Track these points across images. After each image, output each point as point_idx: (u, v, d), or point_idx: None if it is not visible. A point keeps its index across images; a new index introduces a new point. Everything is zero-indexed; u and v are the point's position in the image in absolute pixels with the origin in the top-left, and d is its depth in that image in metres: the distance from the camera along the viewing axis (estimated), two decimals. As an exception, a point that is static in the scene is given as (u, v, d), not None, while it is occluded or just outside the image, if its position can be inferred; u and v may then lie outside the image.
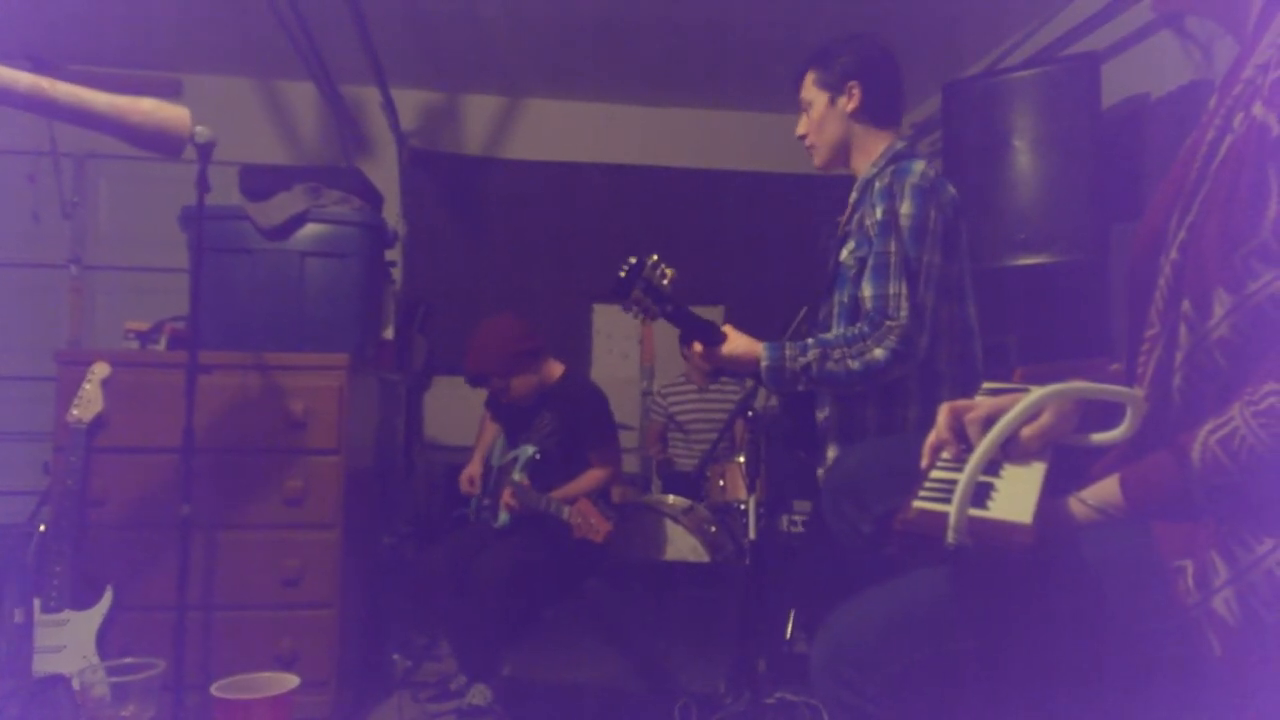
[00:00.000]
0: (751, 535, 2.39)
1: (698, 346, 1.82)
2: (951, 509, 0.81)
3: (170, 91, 4.30)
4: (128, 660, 1.72)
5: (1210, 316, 0.85)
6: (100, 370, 2.24)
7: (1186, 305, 0.87)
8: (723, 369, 1.92)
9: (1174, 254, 0.90)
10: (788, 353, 1.77)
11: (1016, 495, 0.87)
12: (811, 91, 1.96)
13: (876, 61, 1.95)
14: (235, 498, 2.32)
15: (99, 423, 2.22)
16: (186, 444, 1.99)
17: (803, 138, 2.00)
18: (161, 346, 2.46)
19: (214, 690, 1.76)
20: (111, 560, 2.22)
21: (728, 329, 1.84)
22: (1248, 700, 0.80)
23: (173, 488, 2.03)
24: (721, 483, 3.41)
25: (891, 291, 1.73)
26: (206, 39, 3.96)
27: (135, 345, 2.47)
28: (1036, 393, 0.86)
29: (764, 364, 1.78)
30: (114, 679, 1.66)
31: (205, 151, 1.97)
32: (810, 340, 1.78)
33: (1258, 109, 0.83)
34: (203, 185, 2.01)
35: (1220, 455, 0.80)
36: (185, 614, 1.98)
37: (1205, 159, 0.88)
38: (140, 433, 2.27)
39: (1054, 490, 0.92)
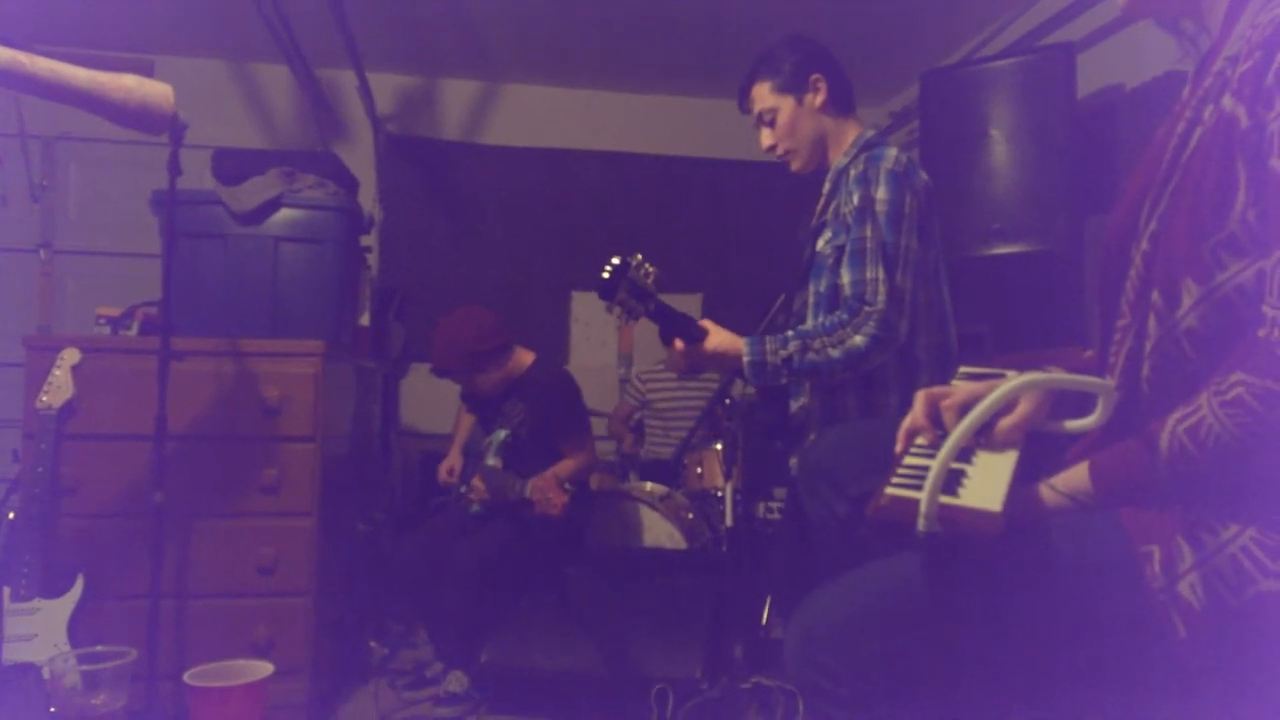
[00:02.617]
0: (728, 522, 2.41)
1: (679, 344, 1.81)
2: (923, 496, 0.82)
3: (141, 73, 4.22)
4: (99, 648, 1.71)
5: (1179, 307, 0.86)
6: (70, 356, 2.20)
7: (1156, 296, 0.88)
8: (705, 366, 1.91)
9: (1144, 245, 0.91)
10: (768, 346, 1.77)
11: (988, 483, 0.88)
12: (771, 99, 1.93)
13: (823, 52, 1.95)
14: (209, 485, 2.30)
15: (69, 409, 2.19)
16: (159, 431, 1.96)
17: (772, 149, 1.97)
18: (133, 332, 2.43)
19: (187, 678, 1.75)
20: (83, 548, 2.19)
21: (707, 324, 1.83)
22: (1211, 681, 0.82)
23: (145, 475, 2.01)
24: (699, 470, 3.43)
25: (869, 277, 1.74)
26: (179, 20, 3.89)
27: (106, 331, 2.43)
28: (1010, 383, 0.87)
29: (746, 359, 1.78)
30: (85, 667, 1.65)
31: (177, 134, 1.93)
32: (790, 332, 1.79)
33: (1227, 101, 0.84)
34: (174, 169, 1.97)
35: (1188, 444, 0.81)
36: (158, 602, 1.96)
37: (1176, 150, 0.89)
38: (112, 420, 2.24)
39: (1025, 477, 0.93)
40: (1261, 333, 0.78)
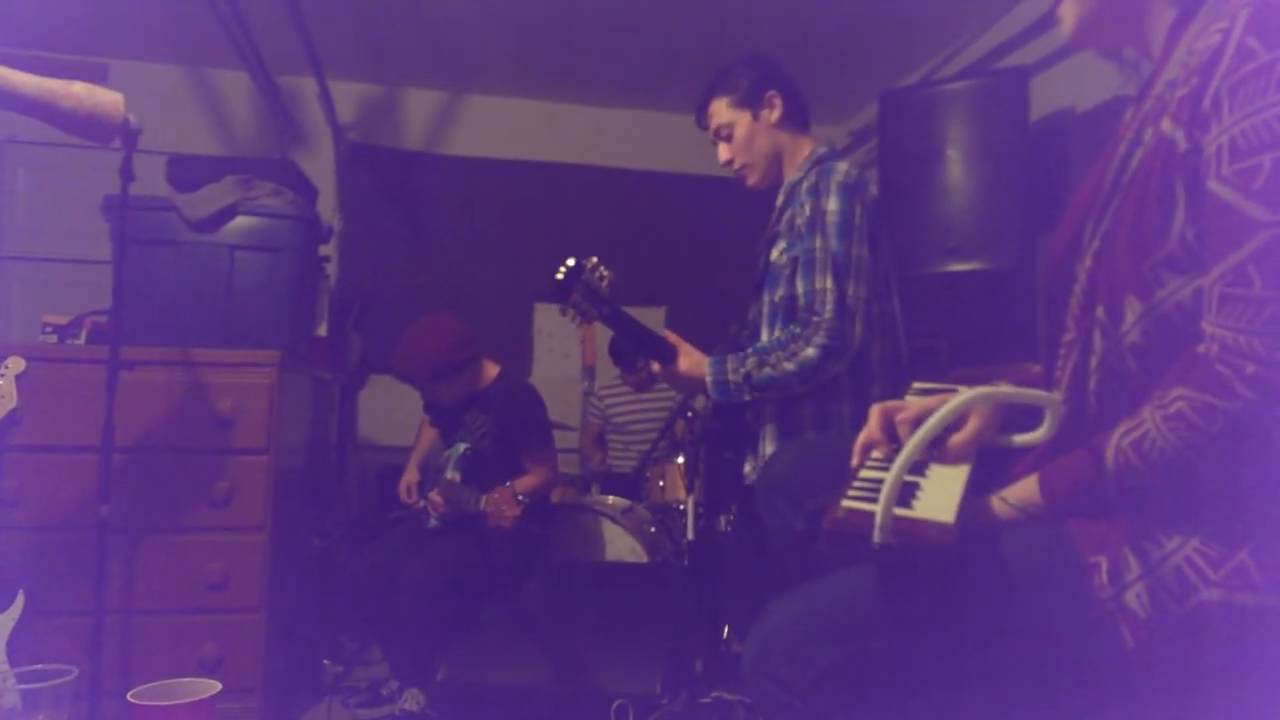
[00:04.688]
0: (690, 535, 2.41)
1: (655, 366, 1.85)
2: (878, 508, 0.83)
3: (94, 77, 4.12)
4: (39, 667, 1.65)
5: (1122, 323, 0.88)
6: (15, 365, 2.13)
7: (1100, 311, 0.90)
8: (670, 385, 1.94)
9: (1088, 262, 0.93)
10: (729, 365, 1.81)
11: (941, 495, 0.90)
12: (728, 115, 1.97)
13: (779, 70, 1.99)
14: (158, 499, 2.24)
15: (12, 420, 2.11)
16: (106, 442, 1.91)
17: (729, 163, 2.01)
18: (81, 341, 2.37)
19: (131, 697, 1.69)
20: (24, 563, 2.12)
21: (673, 338, 1.86)
22: (1158, 690, 0.84)
23: (91, 488, 1.95)
24: (661, 483, 3.42)
25: (819, 287, 1.77)
26: (134, 24, 3.82)
27: (53, 339, 2.36)
28: (961, 397, 0.89)
29: (709, 379, 1.82)
30: (25, 686, 1.59)
31: (130, 139, 1.89)
32: (748, 350, 1.82)
33: (1166, 124, 0.86)
34: (127, 174, 1.93)
35: (1132, 456, 0.83)
36: (103, 619, 1.91)
37: (1118, 171, 0.92)
38: (57, 431, 2.18)
39: (977, 489, 0.94)
40: (1201, 348, 0.80)
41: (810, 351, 1.74)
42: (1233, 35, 0.81)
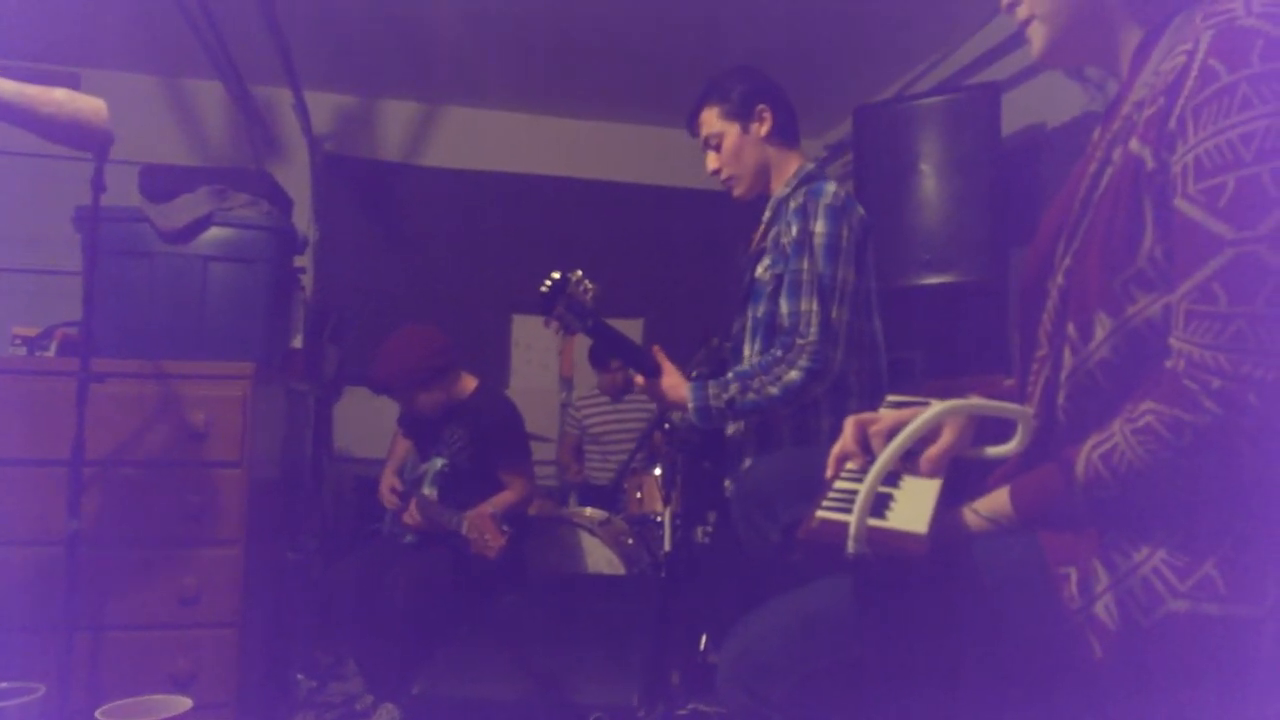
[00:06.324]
0: (667, 547, 2.41)
1: (639, 379, 1.86)
2: (852, 519, 0.84)
3: (66, 87, 4.08)
4: (4, 685, 1.62)
5: (1092, 339, 0.90)
6: (-19, 377, 2.10)
7: (1071, 328, 0.92)
8: (655, 400, 1.95)
9: (1060, 279, 0.95)
10: (711, 391, 1.82)
11: (914, 506, 0.90)
12: (718, 125, 1.98)
13: (771, 84, 2.01)
14: (129, 513, 2.21)
15: (-22, 433, 2.09)
16: (76, 456, 1.88)
17: (716, 172, 2.02)
18: (51, 353, 2.33)
19: (100, 714, 1.67)
20: (-10, 580, 2.08)
21: (658, 353, 1.87)
22: (1127, 701, 0.85)
23: (61, 502, 1.92)
24: (638, 495, 3.42)
25: (803, 309, 1.78)
26: (107, 32, 3.78)
27: (22, 351, 2.33)
28: (934, 409, 0.90)
29: (691, 405, 1.83)
30: (-11, 706, 1.56)
31: (103, 149, 1.87)
32: (730, 374, 1.83)
33: (1134, 144, 0.88)
34: (99, 185, 1.91)
35: (1102, 469, 0.84)
36: (72, 635, 1.87)
37: (1088, 189, 0.94)
38: (26, 444, 2.14)
39: (949, 501, 0.95)
40: (1169, 363, 0.82)
41: (794, 375, 1.76)
42: (1197, 57, 0.82)
